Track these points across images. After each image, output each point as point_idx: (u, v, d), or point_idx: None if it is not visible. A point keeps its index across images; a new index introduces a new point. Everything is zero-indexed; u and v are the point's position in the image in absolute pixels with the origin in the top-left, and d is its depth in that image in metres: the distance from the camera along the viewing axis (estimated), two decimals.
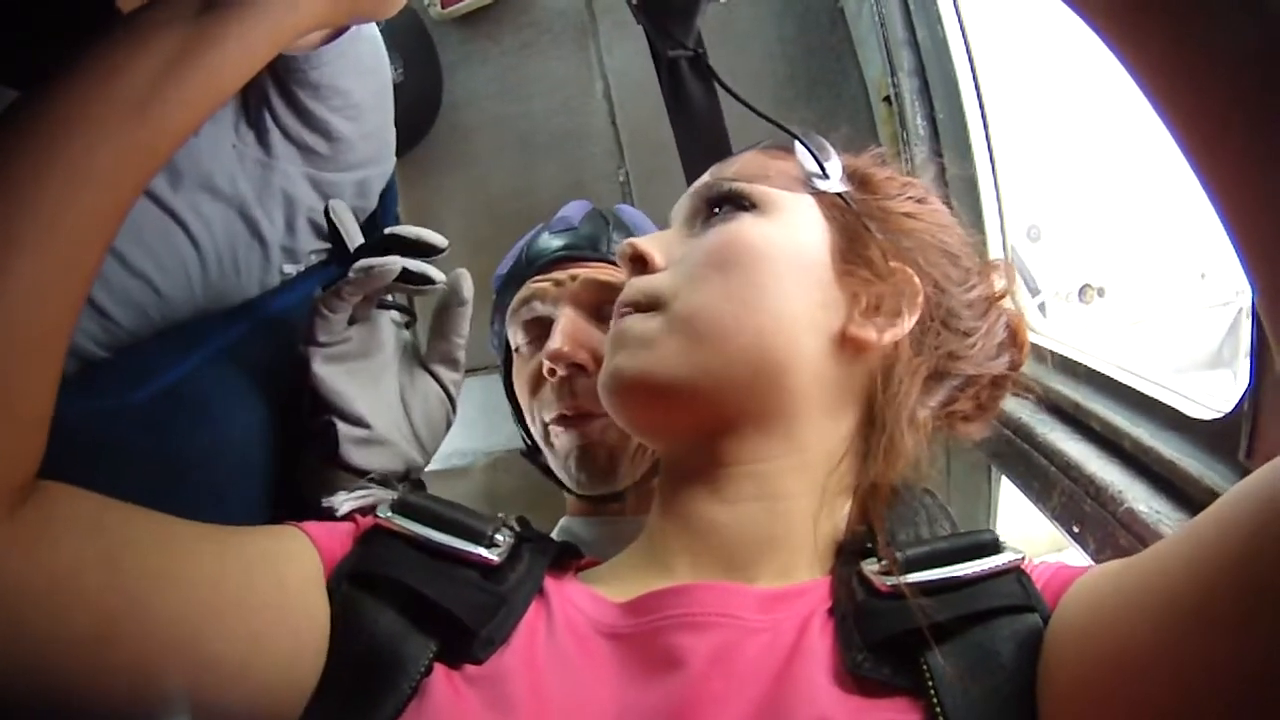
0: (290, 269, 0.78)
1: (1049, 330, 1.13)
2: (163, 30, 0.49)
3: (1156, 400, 0.76)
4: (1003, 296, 0.66)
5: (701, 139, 0.91)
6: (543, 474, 0.96)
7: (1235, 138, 0.33)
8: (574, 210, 0.95)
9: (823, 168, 0.62)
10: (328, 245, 0.81)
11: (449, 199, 1.85)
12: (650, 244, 0.62)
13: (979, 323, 0.63)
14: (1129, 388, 0.82)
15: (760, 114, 0.69)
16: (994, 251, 1.18)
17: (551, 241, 0.91)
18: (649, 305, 0.59)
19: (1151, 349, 1.33)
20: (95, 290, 0.65)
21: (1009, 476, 1.00)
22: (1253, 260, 0.35)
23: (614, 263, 0.86)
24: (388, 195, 0.87)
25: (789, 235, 0.59)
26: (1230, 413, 0.64)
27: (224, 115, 0.73)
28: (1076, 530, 0.78)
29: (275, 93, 0.72)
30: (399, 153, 0.86)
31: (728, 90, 0.71)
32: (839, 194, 0.62)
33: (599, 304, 0.84)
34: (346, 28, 0.71)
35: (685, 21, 0.86)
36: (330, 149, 0.76)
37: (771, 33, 1.58)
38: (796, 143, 0.63)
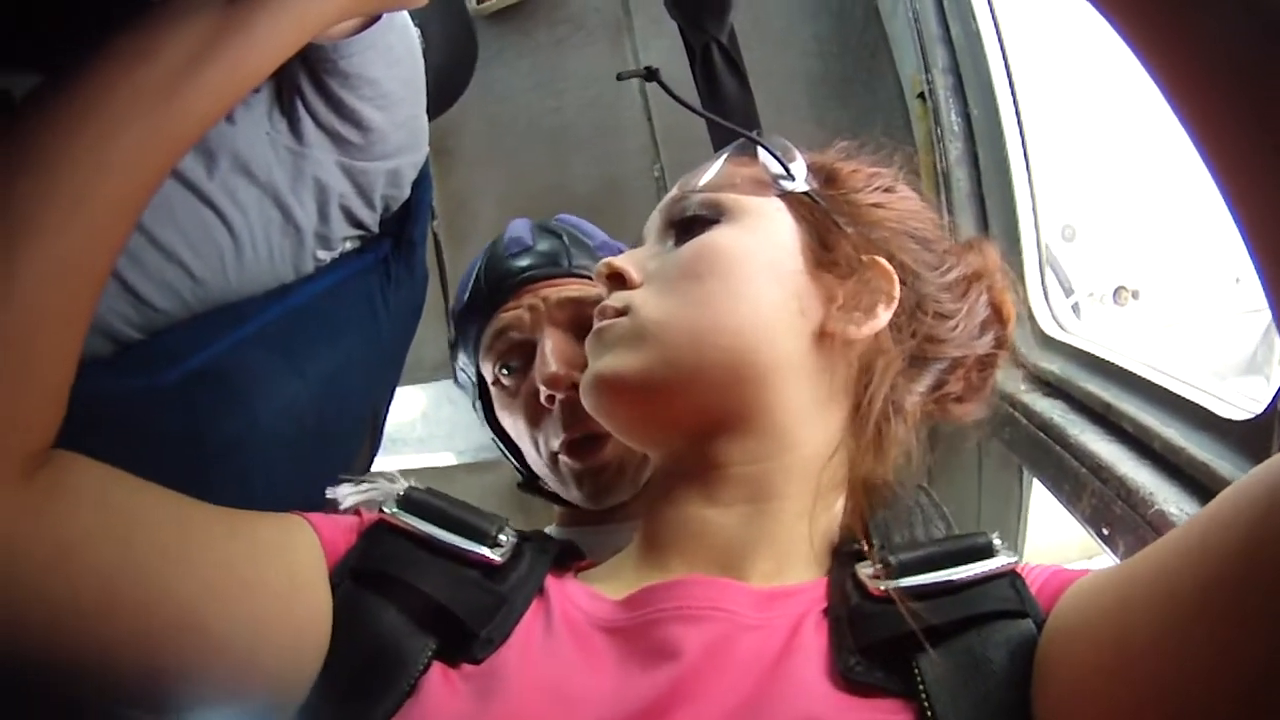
0: (324, 255, 0.79)
1: (1082, 331, 1.12)
2: (191, 17, 0.49)
3: (1188, 400, 0.75)
4: (982, 275, 0.65)
5: (735, 133, 0.91)
6: (548, 500, 0.95)
7: (1243, 133, 0.34)
8: (521, 229, 0.94)
9: (787, 169, 0.62)
10: (361, 233, 0.82)
11: (483, 193, 1.86)
12: (626, 261, 0.63)
13: (959, 304, 0.63)
14: (1160, 388, 0.81)
15: (717, 120, 0.70)
16: (1028, 251, 1.17)
17: (512, 264, 0.90)
18: (625, 312, 0.60)
19: (1185, 354, 1.31)
20: (129, 272, 0.66)
21: (1040, 478, 0.99)
22: (1265, 262, 0.35)
23: (578, 276, 0.88)
24: (421, 185, 0.87)
25: (759, 239, 0.60)
26: (1263, 413, 0.63)
27: (258, 102, 0.73)
28: (1106, 533, 0.77)
29: (307, 81, 0.72)
30: (430, 116, 0.86)
31: (682, 103, 0.70)
32: (805, 193, 0.62)
33: (577, 320, 0.84)
34: (378, 17, 0.71)
35: (719, 15, 0.86)
36: (362, 138, 0.76)
37: (806, 31, 1.58)
38: (759, 147, 0.64)
